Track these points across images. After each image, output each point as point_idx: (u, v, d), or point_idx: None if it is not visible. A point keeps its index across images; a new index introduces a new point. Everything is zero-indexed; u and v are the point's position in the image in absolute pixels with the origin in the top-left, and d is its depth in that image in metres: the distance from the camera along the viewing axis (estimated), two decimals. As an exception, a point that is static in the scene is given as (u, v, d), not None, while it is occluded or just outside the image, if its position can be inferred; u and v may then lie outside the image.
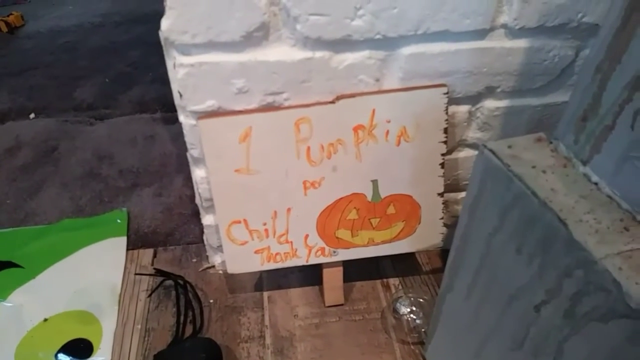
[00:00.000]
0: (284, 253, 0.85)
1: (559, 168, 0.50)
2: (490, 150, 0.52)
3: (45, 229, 1.10)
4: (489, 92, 0.77)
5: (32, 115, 1.52)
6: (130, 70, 1.77)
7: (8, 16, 2.10)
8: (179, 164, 1.28)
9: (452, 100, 0.76)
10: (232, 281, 0.97)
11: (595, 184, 0.47)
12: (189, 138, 0.77)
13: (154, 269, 0.98)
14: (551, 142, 0.53)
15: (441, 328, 0.73)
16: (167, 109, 1.52)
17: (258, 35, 0.66)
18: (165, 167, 1.28)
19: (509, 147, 0.53)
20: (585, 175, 0.48)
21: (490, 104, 0.79)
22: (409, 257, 0.99)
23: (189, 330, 0.87)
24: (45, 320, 0.90)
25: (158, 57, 1.80)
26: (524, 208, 0.48)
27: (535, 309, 0.49)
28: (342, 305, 0.92)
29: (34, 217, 1.14)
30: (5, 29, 2.08)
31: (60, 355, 0.85)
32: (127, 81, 1.69)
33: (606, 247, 0.41)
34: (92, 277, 0.98)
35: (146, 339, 0.87)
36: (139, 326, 0.89)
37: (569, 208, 0.45)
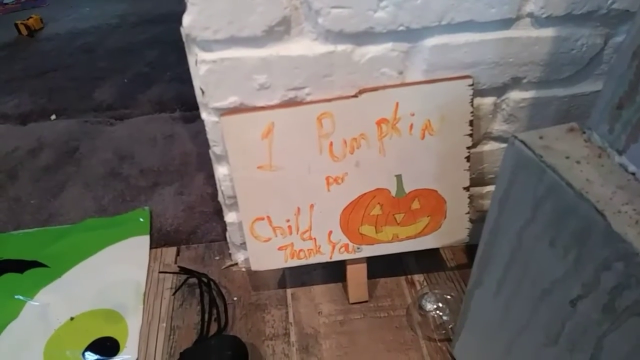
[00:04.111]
0: (308, 250, 0.84)
1: (594, 158, 0.48)
2: (522, 141, 0.51)
3: (69, 228, 1.12)
4: (515, 83, 0.75)
5: (53, 117, 1.54)
6: (148, 70, 1.78)
7: (28, 19, 2.13)
8: (199, 162, 1.28)
9: (477, 92, 0.75)
10: (255, 278, 0.97)
11: (633, 174, 0.46)
12: (211, 135, 0.77)
13: (178, 266, 0.99)
14: (584, 132, 0.51)
15: (469, 324, 0.72)
16: (186, 107, 1.52)
17: (279, 30, 0.66)
18: (186, 165, 1.28)
19: (541, 137, 0.52)
20: (621, 165, 0.47)
21: (516, 95, 0.77)
22: (433, 252, 0.98)
23: (213, 328, 0.87)
24: (72, 319, 0.91)
25: (175, 56, 1.82)
26: (558, 200, 0.47)
27: (571, 303, 0.48)
28: (366, 302, 0.91)
29: (57, 217, 1.16)
30: (25, 32, 2.11)
31: (87, 354, 0.85)
32: (145, 81, 1.70)
33: (648, 239, 0.39)
34: (117, 276, 0.98)
35: (171, 337, 0.87)
36: (164, 324, 0.89)
37: (606, 199, 0.43)
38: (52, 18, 2.27)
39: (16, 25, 2.11)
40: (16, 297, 0.95)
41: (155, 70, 1.78)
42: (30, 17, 2.15)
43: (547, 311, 0.52)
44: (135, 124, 1.48)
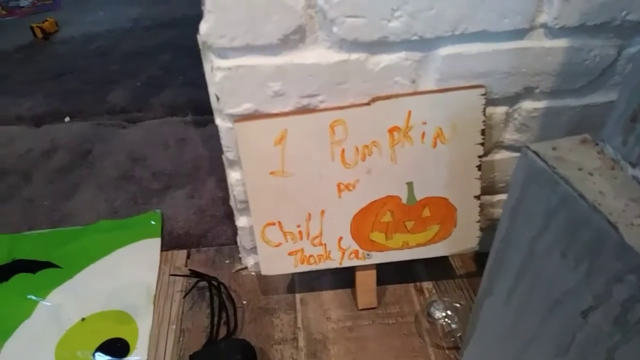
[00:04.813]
0: (318, 255, 0.85)
1: (607, 170, 0.48)
2: (534, 152, 0.51)
3: (81, 230, 1.13)
4: (527, 92, 0.76)
5: (67, 119, 1.56)
6: (161, 74, 1.80)
7: (43, 22, 2.15)
8: (211, 166, 1.29)
9: (490, 102, 0.75)
10: (264, 283, 0.97)
11: (646, 187, 0.46)
12: (225, 141, 0.77)
13: (189, 269, 0.99)
14: (597, 144, 0.51)
15: (478, 333, 0.72)
16: (198, 112, 1.53)
17: (295, 38, 0.66)
18: (197, 169, 1.30)
19: (554, 148, 0.52)
20: (634, 178, 0.47)
21: (528, 105, 0.77)
22: (442, 260, 0.98)
23: (222, 331, 0.88)
24: (83, 319, 0.92)
25: (188, 60, 1.84)
26: (571, 211, 0.47)
27: (582, 314, 0.48)
28: (375, 308, 0.91)
29: (70, 219, 1.17)
30: (40, 35, 2.13)
31: (98, 354, 0.86)
32: (158, 85, 1.71)
33: (661, 252, 0.39)
34: (128, 278, 0.99)
35: (181, 339, 0.88)
36: (174, 326, 0.90)
37: (619, 211, 0.44)
38: (67, 21, 2.30)
39: (32, 28, 2.13)
40: (29, 297, 0.96)
41: (168, 74, 1.79)
42: (46, 20, 2.17)
43: (558, 322, 0.52)
44: (148, 127, 1.50)
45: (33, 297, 0.96)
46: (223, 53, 0.67)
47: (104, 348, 0.88)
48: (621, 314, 0.42)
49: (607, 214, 0.43)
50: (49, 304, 0.95)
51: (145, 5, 2.44)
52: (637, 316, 0.41)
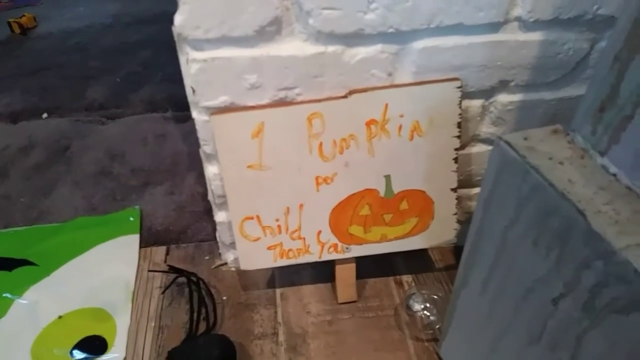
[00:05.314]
0: (297, 249, 0.85)
1: (577, 159, 0.49)
2: (506, 142, 0.52)
3: (59, 227, 1.11)
4: (503, 86, 0.76)
5: (44, 115, 1.54)
6: (140, 70, 1.78)
7: (21, 18, 2.11)
8: (190, 162, 1.28)
9: (465, 95, 0.76)
10: (244, 278, 0.97)
11: (614, 175, 0.46)
12: (201, 134, 0.77)
13: (168, 265, 0.99)
14: (568, 134, 0.52)
15: (456, 324, 0.73)
16: (177, 108, 1.52)
17: (271, 30, 0.66)
18: (177, 165, 1.29)
19: (525, 139, 0.52)
20: (603, 167, 0.48)
21: (503, 98, 0.78)
22: (421, 253, 0.99)
23: (202, 327, 0.87)
24: (60, 317, 0.91)
25: (168, 56, 1.81)
26: (541, 200, 0.48)
27: (553, 302, 0.48)
28: (354, 302, 0.91)
29: (47, 216, 1.15)
30: (18, 30, 2.10)
31: (75, 352, 0.85)
32: (137, 81, 1.70)
33: (626, 238, 0.40)
34: (106, 275, 0.98)
35: (160, 335, 0.87)
36: (153, 323, 0.89)
37: (588, 199, 0.44)
38: (46, 17, 2.26)
39: (9, 23, 2.09)
40: (4, 295, 0.94)
41: (147, 70, 1.77)
42: (24, 16, 2.14)
43: (530, 310, 0.53)
44: (126, 124, 1.48)
45: (9, 295, 0.94)
46: (198, 45, 0.67)
47: (81, 346, 0.86)
48: (589, 300, 0.43)
49: (575, 202, 0.44)
50: (25, 302, 0.94)
51: (125, 1, 2.41)
52: (604, 301, 0.41)
